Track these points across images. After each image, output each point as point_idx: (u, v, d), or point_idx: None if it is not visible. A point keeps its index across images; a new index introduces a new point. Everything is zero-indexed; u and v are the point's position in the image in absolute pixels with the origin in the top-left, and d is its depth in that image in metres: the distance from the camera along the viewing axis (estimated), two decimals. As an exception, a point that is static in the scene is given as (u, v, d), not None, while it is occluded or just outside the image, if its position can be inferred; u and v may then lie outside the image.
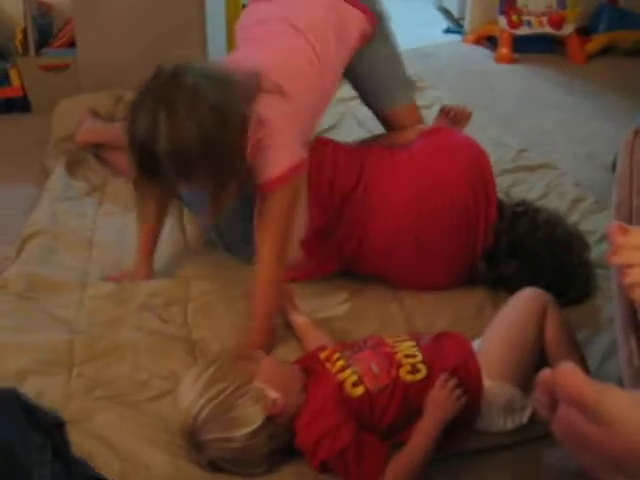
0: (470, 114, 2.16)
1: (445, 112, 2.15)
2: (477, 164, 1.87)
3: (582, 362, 1.45)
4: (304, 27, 1.80)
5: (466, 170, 1.84)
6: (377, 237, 1.82)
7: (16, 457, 0.77)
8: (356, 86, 2.14)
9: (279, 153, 1.61)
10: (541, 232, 1.83)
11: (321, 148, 1.88)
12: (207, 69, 1.57)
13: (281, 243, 1.65)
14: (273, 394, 1.32)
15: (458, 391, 1.34)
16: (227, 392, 1.29)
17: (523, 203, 1.92)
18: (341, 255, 1.87)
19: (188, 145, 1.46)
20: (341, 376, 1.38)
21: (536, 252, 1.80)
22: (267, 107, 1.61)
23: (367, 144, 2.10)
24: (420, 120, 2.15)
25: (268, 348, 1.63)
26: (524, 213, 1.87)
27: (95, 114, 2.60)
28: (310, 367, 1.44)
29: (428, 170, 1.84)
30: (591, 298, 1.84)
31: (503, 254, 1.82)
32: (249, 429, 1.29)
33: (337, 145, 1.95)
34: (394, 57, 2.10)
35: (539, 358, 1.45)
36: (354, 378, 1.37)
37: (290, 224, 1.66)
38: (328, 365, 1.42)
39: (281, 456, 1.36)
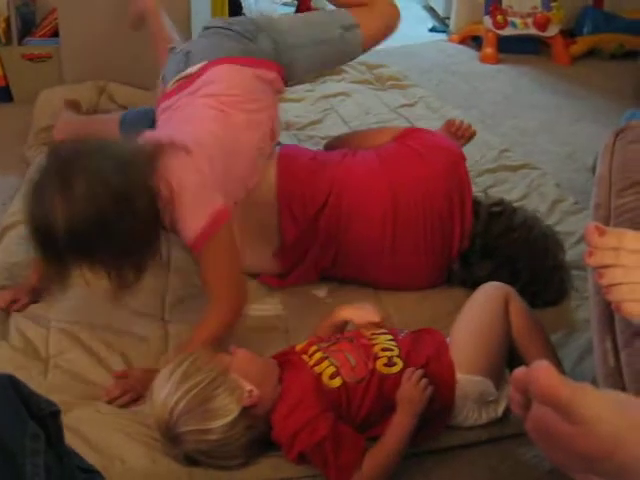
0: (474, 133, 2.15)
1: (449, 125, 2.14)
2: (453, 169, 1.86)
3: (549, 348, 1.48)
4: (203, 93, 1.78)
5: (441, 177, 1.83)
6: (353, 248, 1.82)
7: (9, 445, 0.77)
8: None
9: (191, 213, 1.53)
10: (516, 234, 1.83)
11: (289, 161, 1.86)
12: (106, 145, 1.53)
13: (230, 292, 1.57)
14: (248, 385, 1.32)
15: (424, 382, 1.34)
16: (202, 385, 1.29)
17: (500, 203, 1.91)
18: (319, 267, 1.86)
19: (86, 227, 1.40)
20: (318, 368, 1.38)
21: (511, 254, 1.80)
22: (173, 168, 1.54)
23: (337, 147, 2.07)
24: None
25: None
26: (500, 214, 1.87)
27: (73, 105, 2.58)
28: (286, 360, 1.44)
29: (401, 178, 1.82)
30: (567, 299, 1.85)
31: (477, 256, 1.82)
32: (225, 420, 1.28)
33: (305, 155, 1.92)
34: (313, 54, 1.98)
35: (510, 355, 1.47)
36: (331, 370, 1.37)
37: (233, 269, 1.59)
38: (305, 357, 1.42)
39: (258, 448, 1.36)
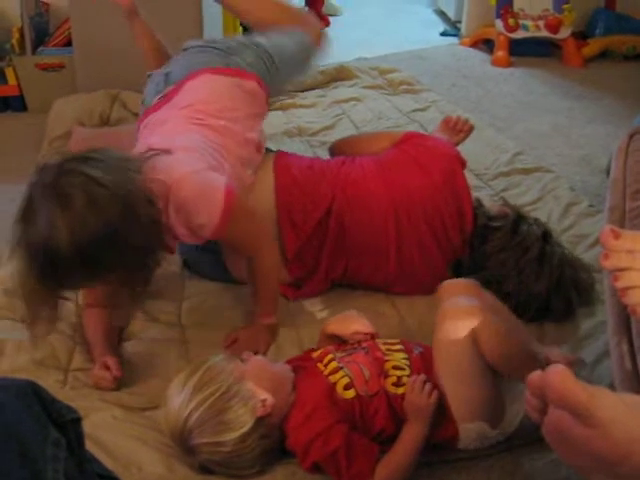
0: (472, 127, 2.12)
1: (447, 121, 2.13)
2: (450, 179, 1.83)
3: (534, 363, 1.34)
4: (181, 105, 1.76)
5: (439, 183, 1.81)
6: (361, 256, 1.82)
7: (31, 451, 0.77)
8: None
9: (203, 205, 1.52)
10: (507, 255, 1.75)
11: (287, 171, 1.85)
12: (91, 157, 1.43)
13: (265, 243, 1.68)
14: (262, 394, 1.31)
15: (428, 387, 1.32)
16: (215, 396, 1.28)
17: (503, 217, 1.83)
18: (329, 277, 1.87)
19: (94, 238, 1.33)
20: (333, 378, 1.37)
21: (499, 275, 1.73)
22: (162, 169, 1.51)
23: (337, 153, 2.07)
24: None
25: (274, 334, 1.70)
26: (496, 229, 1.80)
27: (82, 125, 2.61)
28: (301, 366, 1.43)
29: (399, 184, 1.81)
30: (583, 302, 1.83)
31: (465, 268, 1.79)
32: (239, 432, 1.28)
33: (302, 164, 1.90)
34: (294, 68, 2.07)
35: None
36: (346, 381, 1.36)
37: (258, 228, 1.68)
38: (320, 366, 1.41)
39: (273, 456, 1.36)
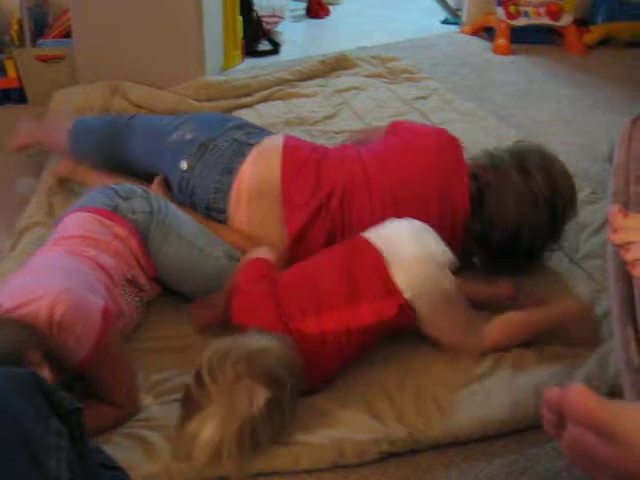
0: None
1: None
2: (447, 150, 1.86)
3: None
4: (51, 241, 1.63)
5: (435, 159, 1.84)
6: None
7: (33, 441, 0.77)
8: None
9: (79, 322, 1.33)
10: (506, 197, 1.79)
11: (293, 152, 1.89)
12: None
13: (132, 401, 1.46)
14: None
15: None
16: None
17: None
18: None
19: None
20: None
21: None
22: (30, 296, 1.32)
23: (343, 144, 2.10)
24: None
25: None
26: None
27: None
28: None
29: (398, 168, 1.83)
30: (585, 289, 1.83)
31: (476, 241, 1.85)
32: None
33: (307, 148, 1.94)
34: (183, 251, 1.70)
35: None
36: None
37: (131, 373, 1.49)
38: None
39: None
